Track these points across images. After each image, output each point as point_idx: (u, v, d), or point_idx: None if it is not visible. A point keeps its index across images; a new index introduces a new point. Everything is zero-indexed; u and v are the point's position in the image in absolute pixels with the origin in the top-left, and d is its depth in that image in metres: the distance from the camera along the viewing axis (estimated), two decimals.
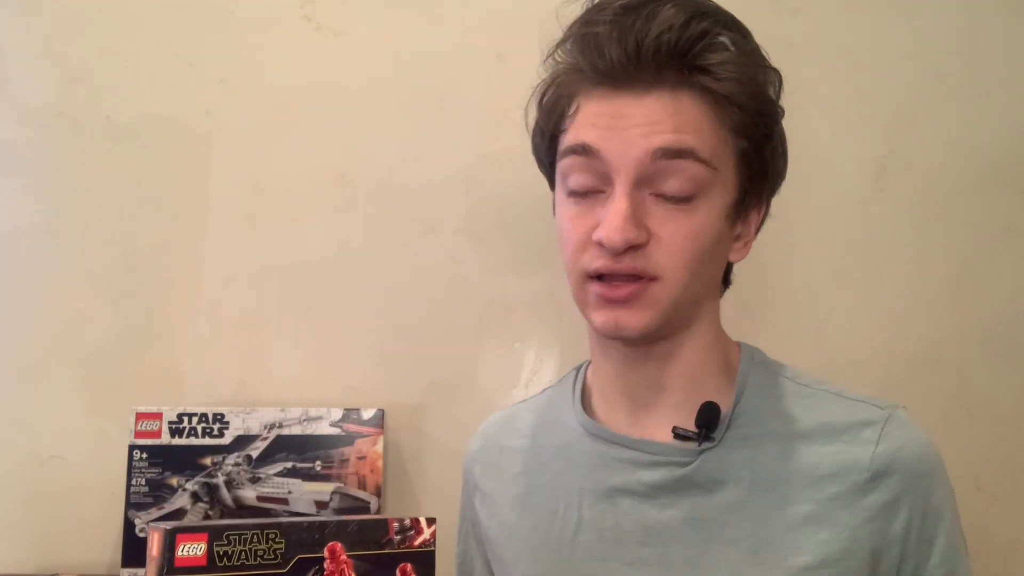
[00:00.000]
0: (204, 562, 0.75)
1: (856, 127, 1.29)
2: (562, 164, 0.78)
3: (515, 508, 0.88)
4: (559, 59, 0.79)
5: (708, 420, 0.79)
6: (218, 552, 0.76)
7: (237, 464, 1.19)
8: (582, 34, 0.76)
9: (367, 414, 1.23)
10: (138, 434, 1.18)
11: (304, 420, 1.21)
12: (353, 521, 0.82)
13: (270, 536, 0.78)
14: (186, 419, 1.20)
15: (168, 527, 0.76)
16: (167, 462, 1.18)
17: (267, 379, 1.27)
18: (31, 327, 1.27)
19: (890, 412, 0.78)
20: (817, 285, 1.28)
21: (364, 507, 1.21)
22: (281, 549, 0.78)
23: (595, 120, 0.75)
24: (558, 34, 0.79)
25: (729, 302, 0.86)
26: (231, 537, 0.77)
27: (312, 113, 1.30)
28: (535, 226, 1.27)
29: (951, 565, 0.76)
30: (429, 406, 1.28)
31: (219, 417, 1.20)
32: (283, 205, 1.29)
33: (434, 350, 1.28)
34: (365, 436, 1.22)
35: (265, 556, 0.77)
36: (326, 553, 0.80)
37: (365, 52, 1.30)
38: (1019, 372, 1.26)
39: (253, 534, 0.77)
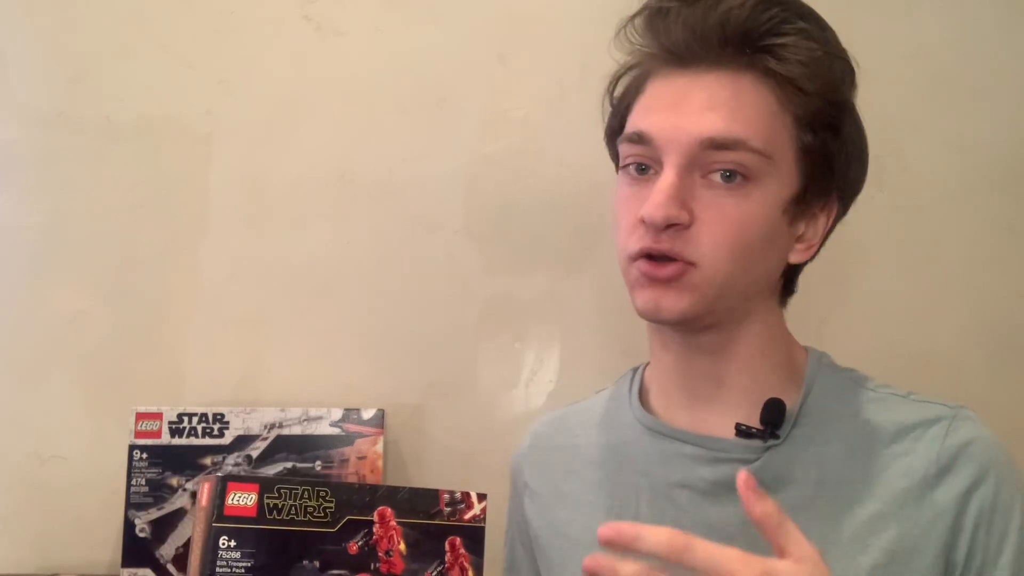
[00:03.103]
0: (254, 512, 0.74)
1: None
2: (620, 149, 0.79)
3: (566, 506, 0.86)
4: (631, 39, 0.78)
5: (774, 417, 0.77)
6: (268, 504, 0.75)
7: (237, 464, 1.19)
8: (652, 11, 0.76)
9: (367, 414, 1.23)
10: (138, 434, 1.18)
11: (304, 420, 1.21)
12: (404, 488, 0.81)
13: (321, 494, 0.77)
14: (186, 419, 1.20)
15: (220, 475, 0.76)
16: (167, 462, 1.18)
17: (267, 379, 1.27)
18: (31, 327, 1.27)
19: (958, 410, 0.77)
20: (817, 285, 1.27)
21: None
22: (331, 508, 0.77)
23: (653, 103, 0.75)
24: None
25: None
26: (282, 491, 0.76)
27: (312, 113, 1.30)
28: (535, 226, 1.27)
29: (1022, 564, 0.73)
30: (429, 406, 1.28)
31: (219, 417, 1.20)
32: (283, 205, 1.29)
33: (434, 350, 1.28)
34: (365, 436, 1.22)
35: (315, 513, 0.77)
36: (376, 517, 0.79)
37: (365, 52, 1.30)
38: (1019, 372, 1.26)
39: (304, 490, 0.77)
